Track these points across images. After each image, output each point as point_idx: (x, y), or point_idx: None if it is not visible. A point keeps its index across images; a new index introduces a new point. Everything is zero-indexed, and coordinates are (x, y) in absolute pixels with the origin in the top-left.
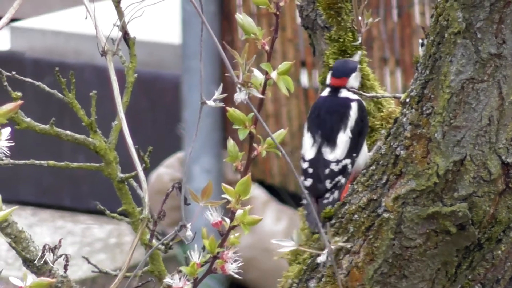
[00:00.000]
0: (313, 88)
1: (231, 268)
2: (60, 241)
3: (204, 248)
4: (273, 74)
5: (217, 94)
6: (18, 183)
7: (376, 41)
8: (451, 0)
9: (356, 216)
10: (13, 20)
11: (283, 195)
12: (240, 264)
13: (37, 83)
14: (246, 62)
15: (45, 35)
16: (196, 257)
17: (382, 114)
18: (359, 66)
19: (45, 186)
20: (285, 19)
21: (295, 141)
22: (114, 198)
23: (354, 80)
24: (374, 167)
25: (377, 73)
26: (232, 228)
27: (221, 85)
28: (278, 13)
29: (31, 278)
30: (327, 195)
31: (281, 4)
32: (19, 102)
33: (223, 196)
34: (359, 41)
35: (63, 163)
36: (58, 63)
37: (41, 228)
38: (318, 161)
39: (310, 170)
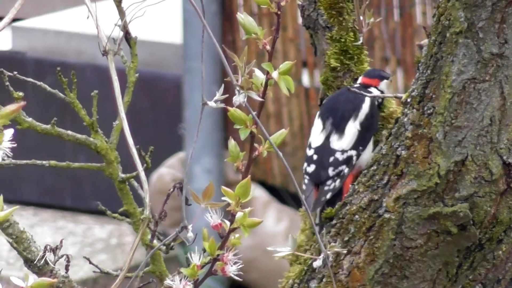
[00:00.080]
0: (314, 88)
1: (231, 270)
2: (61, 241)
3: (204, 249)
4: (274, 74)
5: (218, 95)
6: (20, 183)
7: (377, 41)
8: (453, 0)
9: (357, 216)
10: (14, 20)
11: (284, 195)
12: (241, 265)
13: (38, 83)
14: (245, 65)
15: (47, 35)
16: (196, 259)
17: (383, 114)
18: (391, 79)
19: (46, 186)
20: (286, 19)
21: (296, 141)
22: (115, 198)
23: (384, 86)
24: (375, 167)
25: None
26: (232, 230)
27: (222, 86)
28: (279, 12)
29: (33, 279)
30: (328, 182)
31: (283, 3)
32: (21, 103)
33: (223, 198)
34: (361, 41)
35: (64, 163)
36: (59, 63)
37: (42, 228)
38: (324, 149)
39: (315, 157)
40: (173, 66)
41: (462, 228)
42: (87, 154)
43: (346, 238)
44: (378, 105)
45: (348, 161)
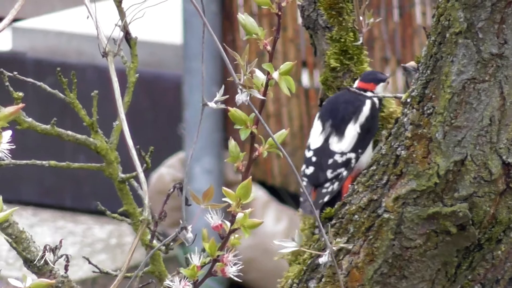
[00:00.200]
0: (314, 88)
1: (231, 271)
2: (61, 242)
3: (204, 249)
4: (275, 75)
5: (219, 96)
6: (20, 183)
7: (377, 41)
8: (452, 0)
9: (356, 216)
10: (14, 20)
11: (284, 195)
12: (240, 266)
13: (38, 83)
14: (247, 64)
15: (47, 35)
16: (196, 259)
17: (383, 114)
18: (389, 81)
19: (46, 186)
20: (286, 19)
21: (296, 141)
22: (115, 199)
23: (381, 90)
24: (374, 167)
25: None
26: (232, 231)
27: (223, 87)
28: (280, 13)
29: (31, 279)
30: (327, 184)
31: (283, 4)
32: (20, 105)
33: (224, 199)
34: (361, 41)
35: (64, 163)
36: (59, 63)
37: (42, 228)
38: (323, 151)
39: (314, 159)
40: (173, 67)
41: (461, 228)
42: (87, 154)
43: (345, 238)
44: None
45: (347, 163)
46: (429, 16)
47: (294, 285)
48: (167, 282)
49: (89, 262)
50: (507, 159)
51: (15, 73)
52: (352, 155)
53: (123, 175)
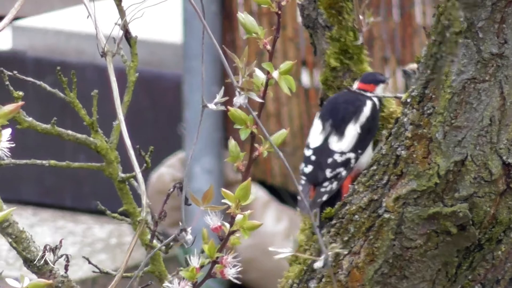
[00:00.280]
0: (314, 88)
1: (231, 273)
2: (60, 241)
3: (203, 250)
4: (275, 74)
5: (219, 97)
6: (19, 183)
7: (377, 40)
8: (452, 0)
9: (356, 216)
10: (14, 19)
11: (284, 195)
12: (240, 266)
13: (38, 82)
14: (245, 66)
15: (47, 34)
16: (195, 261)
17: (383, 114)
18: (388, 81)
19: (46, 186)
20: (286, 18)
21: (296, 141)
22: (115, 198)
23: (381, 91)
24: (375, 167)
25: None
26: (231, 233)
27: (223, 88)
28: (279, 12)
29: (28, 279)
30: (325, 183)
31: (283, 3)
32: (20, 103)
33: (223, 201)
34: (360, 41)
35: (64, 163)
36: (59, 62)
37: (42, 228)
38: (323, 150)
39: (313, 158)
40: (173, 66)
41: (461, 228)
42: (87, 154)
43: (345, 238)
44: (380, 105)
45: (346, 163)
46: (429, 16)
47: (294, 285)
48: (166, 284)
49: (89, 262)
50: (507, 159)
51: (15, 72)
52: (352, 155)
53: (123, 175)
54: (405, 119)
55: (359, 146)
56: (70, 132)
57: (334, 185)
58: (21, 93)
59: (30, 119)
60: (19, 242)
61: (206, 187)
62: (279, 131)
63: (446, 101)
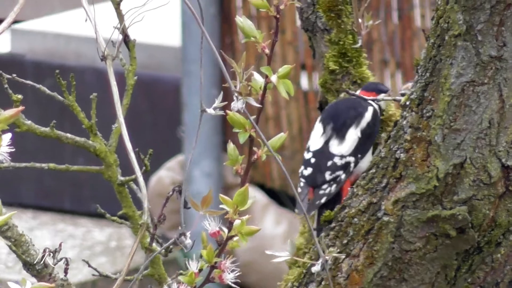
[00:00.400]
0: (313, 91)
1: (229, 278)
2: (60, 245)
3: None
4: (273, 78)
5: (217, 102)
6: (19, 186)
7: (376, 43)
8: (451, 3)
9: (356, 219)
10: (13, 22)
11: (283, 198)
12: (239, 270)
13: (37, 85)
14: (243, 71)
15: (46, 37)
16: (194, 266)
17: (382, 117)
18: (390, 93)
19: (45, 189)
20: (285, 22)
21: (295, 144)
22: (114, 201)
23: (382, 101)
24: (374, 170)
25: (378, 75)
26: (229, 238)
27: (222, 93)
28: (278, 16)
29: (30, 283)
30: (324, 186)
31: (281, 7)
32: (20, 108)
33: (222, 206)
34: (360, 44)
35: (63, 166)
36: (58, 66)
37: (42, 231)
38: (323, 153)
39: (313, 160)
40: (172, 69)
41: (460, 231)
42: (86, 157)
43: (345, 241)
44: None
45: (345, 167)
46: (428, 19)
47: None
48: (165, 287)
49: (89, 265)
50: (506, 162)
51: (14, 75)
52: (351, 159)
53: (122, 178)
54: (404, 122)
55: (359, 151)
56: (69, 135)
57: (333, 188)
58: (20, 96)
59: (29, 122)
60: (18, 246)
61: (205, 190)
62: (277, 135)
63: (445, 104)
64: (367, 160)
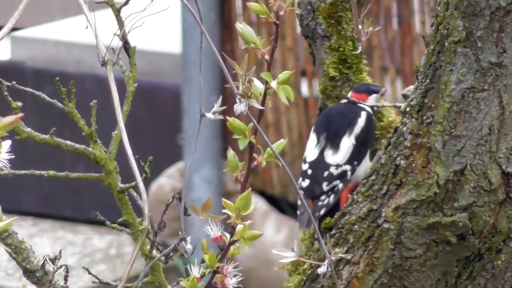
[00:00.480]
0: (313, 98)
1: (231, 283)
2: (60, 252)
3: (204, 260)
4: (273, 84)
5: (217, 106)
6: (19, 193)
7: (376, 50)
8: (451, 9)
9: (356, 226)
10: (13, 29)
11: (283, 205)
12: (240, 277)
13: (37, 93)
14: (245, 73)
15: (46, 44)
16: (196, 271)
17: (382, 123)
18: (382, 93)
19: (45, 196)
20: (285, 28)
21: (295, 151)
22: (114, 209)
23: (373, 101)
24: (374, 177)
25: (378, 82)
26: (232, 243)
27: (221, 97)
28: (278, 22)
29: None
30: (322, 197)
31: (281, 13)
32: (19, 114)
33: (224, 211)
34: (359, 50)
35: (63, 173)
36: (58, 73)
37: (42, 238)
38: (319, 163)
39: (310, 172)
40: (172, 76)
41: (461, 238)
42: (86, 164)
43: (345, 248)
44: (374, 116)
45: (342, 176)
46: (428, 25)
47: None
48: None
49: (89, 273)
50: (506, 169)
51: (14, 82)
52: (348, 167)
53: (122, 185)
54: (404, 129)
55: (355, 158)
56: (69, 142)
57: (331, 198)
58: (19, 103)
59: (29, 129)
60: (18, 253)
61: (205, 196)
62: (278, 141)
63: (445, 110)
64: (364, 166)
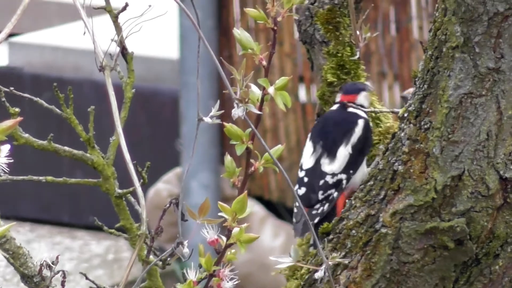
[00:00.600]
0: (311, 103)
1: (228, 286)
2: (57, 257)
3: (200, 265)
4: (271, 89)
5: (214, 111)
6: (17, 199)
7: (374, 55)
8: (449, 15)
9: (354, 231)
10: (11, 35)
11: (281, 210)
12: (237, 281)
13: (35, 98)
14: (243, 78)
15: (44, 50)
16: (192, 275)
17: (380, 129)
18: (369, 88)
19: (43, 202)
20: (283, 34)
21: (292, 156)
22: (112, 214)
23: (363, 99)
24: (372, 182)
25: (376, 87)
26: (228, 246)
27: (218, 101)
28: (275, 28)
29: None
30: (317, 206)
31: (279, 19)
32: (18, 119)
33: (220, 214)
34: (357, 56)
35: (61, 179)
36: (56, 79)
37: (39, 244)
38: (315, 172)
39: (306, 179)
40: (169, 81)
41: (459, 243)
42: (84, 170)
43: (343, 253)
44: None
45: (337, 184)
46: (426, 31)
47: None
48: None
49: (86, 278)
50: (504, 174)
51: (12, 88)
52: (343, 176)
53: (120, 191)
54: (402, 134)
55: (350, 167)
56: (66, 148)
57: (326, 207)
58: (17, 109)
59: (26, 135)
60: (16, 258)
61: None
62: (275, 147)
63: (443, 115)
64: (360, 174)
